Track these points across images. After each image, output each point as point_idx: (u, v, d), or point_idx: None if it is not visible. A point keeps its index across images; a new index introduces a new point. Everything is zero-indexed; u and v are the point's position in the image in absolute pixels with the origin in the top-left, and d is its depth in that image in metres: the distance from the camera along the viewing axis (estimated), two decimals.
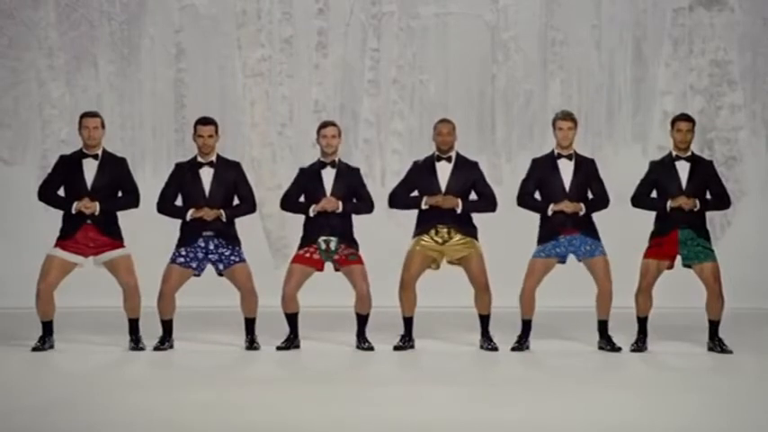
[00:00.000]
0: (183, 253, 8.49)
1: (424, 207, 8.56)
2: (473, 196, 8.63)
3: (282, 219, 10.70)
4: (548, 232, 8.53)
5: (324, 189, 8.59)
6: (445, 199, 8.52)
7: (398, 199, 8.72)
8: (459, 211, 8.52)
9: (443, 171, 8.61)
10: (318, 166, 8.68)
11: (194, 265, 8.48)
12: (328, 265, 8.61)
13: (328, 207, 8.53)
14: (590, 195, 8.57)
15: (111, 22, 11.53)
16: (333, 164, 8.66)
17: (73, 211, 8.36)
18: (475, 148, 10.49)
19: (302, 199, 8.67)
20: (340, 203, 8.54)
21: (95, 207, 8.36)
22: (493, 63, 11.61)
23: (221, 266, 8.51)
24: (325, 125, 8.72)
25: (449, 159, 8.63)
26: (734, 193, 9.68)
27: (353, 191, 8.66)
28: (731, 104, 11.42)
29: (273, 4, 11.54)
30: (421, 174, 8.66)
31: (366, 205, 8.69)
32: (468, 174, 8.62)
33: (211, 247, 8.49)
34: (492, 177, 9.23)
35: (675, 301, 9.07)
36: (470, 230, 8.60)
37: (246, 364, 8.25)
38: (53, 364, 8.15)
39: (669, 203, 8.42)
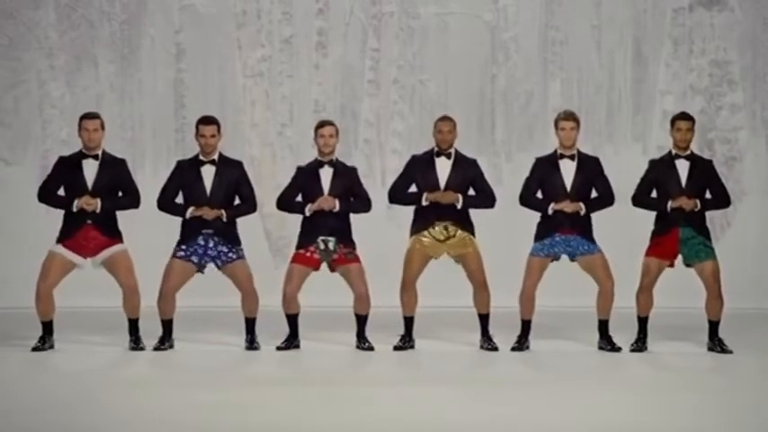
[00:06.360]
0: (184, 247, 8.49)
1: (424, 203, 8.56)
2: (472, 193, 8.64)
3: (283, 219, 10.69)
4: (545, 230, 8.53)
5: (321, 188, 8.59)
6: (445, 194, 8.53)
7: (398, 195, 8.72)
8: (459, 206, 8.52)
9: (443, 167, 8.61)
10: (316, 165, 8.68)
11: (195, 260, 8.47)
12: (323, 265, 8.59)
13: (325, 206, 8.53)
14: (594, 194, 8.58)
15: (111, 22, 11.53)
16: (330, 163, 8.66)
17: (74, 209, 8.35)
18: (475, 147, 10.48)
19: (300, 198, 8.68)
20: (337, 202, 8.54)
21: (97, 204, 8.35)
22: (493, 63, 11.61)
23: (219, 263, 8.50)
24: (322, 125, 8.72)
25: (448, 156, 8.64)
26: (734, 193, 9.67)
27: (351, 190, 8.66)
28: (731, 104, 11.41)
29: (273, 4, 11.53)
30: (420, 168, 8.66)
31: (363, 204, 8.69)
32: (467, 171, 8.63)
33: (211, 245, 8.49)
34: (492, 177, 9.23)
35: (675, 301, 9.07)
36: (468, 227, 8.60)
37: (246, 364, 8.25)
38: (53, 364, 8.15)
39: (670, 204, 8.42)
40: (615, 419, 6.38)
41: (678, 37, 11.49)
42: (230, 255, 8.51)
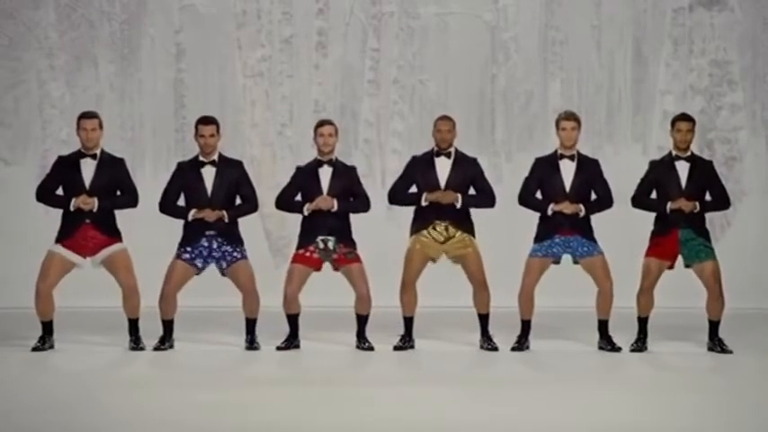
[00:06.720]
0: (189, 250, 8.49)
1: (424, 203, 8.56)
2: (472, 192, 8.64)
3: (283, 219, 10.69)
4: (544, 231, 8.53)
5: (320, 188, 8.59)
6: (445, 194, 8.53)
7: (398, 195, 8.72)
8: (458, 205, 8.52)
9: (443, 167, 8.62)
10: (315, 164, 8.68)
11: (199, 263, 8.47)
12: (326, 265, 8.61)
13: (323, 206, 8.53)
14: (593, 196, 8.58)
15: (111, 22, 11.53)
16: (330, 162, 8.66)
17: (71, 208, 8.35)
18: (475, 147, 10.46)
19: (299, 198, 8.67)
20: (335, 201, 8.54)
21: (94, 203, 8.35)
22: (493, 63, 11.61)
23: (224, 264, 8.50)
24: (321, 124, 8.72)
25: (448, 155, 8.64)
26: (734, 193, 9.68)
27: (350, 189, 8.66)
28: (731, 104, 11.41)
29: (273, 4, 11.53)
30: (420, 169, 8.66)
31: (363, 203, 8.69)
32: (467, 170, 8.63)
33: (214, 246, 8.49)
34: (492, 177, 9.23)
35: (675, 301, 9.07)
36: (468, 227, 8.60)
37: (246, 364, 8.25)
38: (53, 364, 8.15)
39: (669, 205, 8.42)
40: (615, 419, 6.38)
41: (678, 37, 11.49)
42: (235, 254, 8.51)
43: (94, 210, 8.37)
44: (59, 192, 8.50)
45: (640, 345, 8.52)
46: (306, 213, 8.57)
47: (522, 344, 8.57)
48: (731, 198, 8.74)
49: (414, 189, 8.66)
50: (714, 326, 8.51)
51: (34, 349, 8.40)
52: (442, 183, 8.58)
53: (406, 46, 11.63)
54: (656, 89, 11.53)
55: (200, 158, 8.59)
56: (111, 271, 8.49)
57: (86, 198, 8.37)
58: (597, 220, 8.58)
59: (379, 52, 11.63)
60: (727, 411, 6.65)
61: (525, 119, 11.59)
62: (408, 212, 8.74)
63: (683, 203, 8.39)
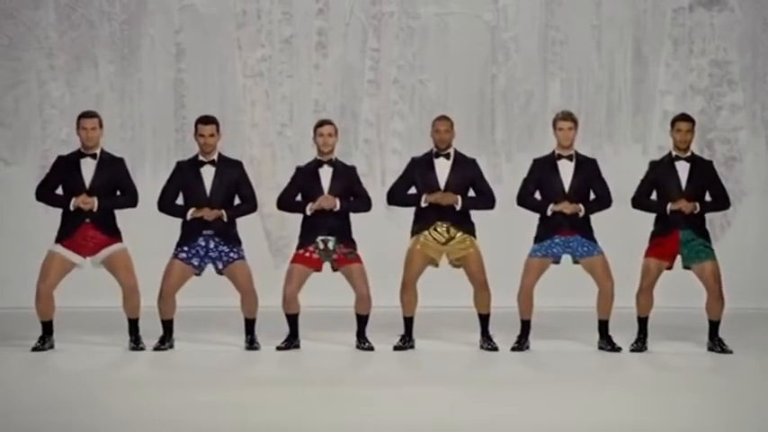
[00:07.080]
0: (186, 249, 8.49)
1: (423, 205, 8.56)
2: (471, 193, 8.64)
3: (282, 219, 10.69)
4: (544, 232, 8.54)
5: (321, 188, 8.59)
6: (444, 195, 8.53)
7: (397, 196, 8.73)
8: (458, 207, 8.52)
9: (442, 168, 8.62)
10: (315, 164, 8.68)
11: (195, 262, 8.48)
12: (326, 265, 8.61)
13: (325, 205, 8.54)
14: (592, 195, 8.58)
15: (111, 22, 11.53)
16: (330, 162, 8.66)
17: (71, 208, 8.35)
18: (474, 147, 10.48)
19: (299, 198, 8.67)
20: (337, 201, 8.54)
21: (93, 203, 8.35)
22: (493, 63, 11.61)
23: (221, 265, 8.51)
24: (321, 124, 8.72)
25: (447, 156, 8.64)
26: (734, 193, 9.67)
27: (350, 189, 8.66)
28: (731, 104, 11.41)
29: (273, 4, 11.53)
30: (419, 170, 8.66)
31: (363, 203, 8.69)
32: (466, 171, 8.63)
33: (211, 245, 8.49)
34: (492, 177, 9.24)
35: (675, 301, 9.07)
36: (469, 227, 8.60)
37: (246, 364, 8.25)
38: (53, 364, 8.15)
39: (669, 206, 8.42)
40: (615, 419, 6.38)
41: (678, 37, 11.49)
42: (231, 255, 8.51)
43: (94, 209, 8.37)
44: (59, 191, 8.50)
45: (640, 345, 8.51)
46: (308, 213, 8.57)
47: (522, 344, 8.57)
48: (731, 198, 8.74)
49: (413, 190, 8.67)
50: (714, 326, 8.51)
51: (34, 349, 8.40)
52: (442, 184, 8.58)
53: (406, 46, 11.62)
54: (656, 89, 11.53)
55: (200, 158, 8.59)
56: (111, 271, 8.49)
57: (86, 198, 8.37)
58: (597, 220, 8.58)
59: (379, 52, 11.63)
60: (727, 411, 6.66)
61: (525, 119, 11.59)
62: (408, 212, 8.74)
63: (684, 205, 8.39)
